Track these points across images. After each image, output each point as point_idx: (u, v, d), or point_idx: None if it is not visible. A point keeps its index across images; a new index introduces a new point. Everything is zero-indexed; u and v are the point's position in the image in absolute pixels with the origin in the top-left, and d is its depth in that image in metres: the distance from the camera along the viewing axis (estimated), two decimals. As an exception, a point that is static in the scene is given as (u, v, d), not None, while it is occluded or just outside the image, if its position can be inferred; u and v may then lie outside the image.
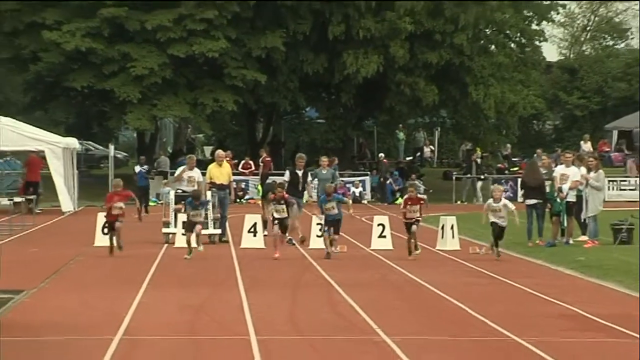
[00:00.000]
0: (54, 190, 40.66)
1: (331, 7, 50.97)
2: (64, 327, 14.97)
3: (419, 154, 61.67)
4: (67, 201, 40.66)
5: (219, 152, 32.68)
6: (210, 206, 26.90)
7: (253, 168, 50.61)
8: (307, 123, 63.75)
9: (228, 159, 35.31)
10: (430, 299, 18.23)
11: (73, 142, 43.49)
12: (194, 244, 23.86)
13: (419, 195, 24.78)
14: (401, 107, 54.99)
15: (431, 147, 61.54)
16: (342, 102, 55.36)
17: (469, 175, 52.69)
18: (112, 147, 48.54)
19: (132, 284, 19.51)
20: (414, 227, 23.80)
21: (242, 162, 50.55)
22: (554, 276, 21.52)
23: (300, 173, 28.44)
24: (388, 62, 51.57)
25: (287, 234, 24.49)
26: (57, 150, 40.95)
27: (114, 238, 23.92)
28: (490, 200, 24.30)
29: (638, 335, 12.86)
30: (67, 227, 33.94)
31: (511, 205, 24.22)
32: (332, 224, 23.98)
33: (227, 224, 28.89)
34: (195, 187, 28.12)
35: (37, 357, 12.94)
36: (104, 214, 25.33)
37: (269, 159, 50.81)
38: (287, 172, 29.08)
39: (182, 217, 25.97)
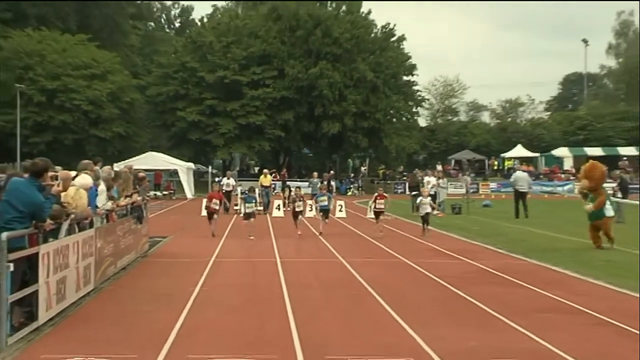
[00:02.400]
0: (182, 188, 40.67)
1: (316, 100, 50.88)
2: (187, 254, 14.99)
3: (359, 171, 61.45)
4: (189, 193, 40.59)
5: (266, 170, 32.79)
6: (258, 197, 25.53)
7: (278, 178, 50.45)
8: (305, 156, 63.44)
9: (270, 173, 34.75)
10: (365, 242, 18.29)
11: (191, 165, 43.36)
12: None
13: (384, 194, 20.25)
14: (350, 148, 55.06)
15: (365, 168, 61.22)
16: (321, 146, 55.25)
17: (384, 182, 52.89)
18: (210, 167, 48.35)
19: (218, 235, 19.54)
20: (381, 216, 19.60)
21: (273, 174, 50.28)
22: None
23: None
24: (344, 126, 51.52)
25: (300, 218, 19.67)
26: (184, 169, 40.93)
27: (212, 225, 19.51)
28: (421, 197, 20.29)
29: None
30: (188, 207, 33.83)
31: (430, 202, 20.76)
32: (323, 211, 19.87)
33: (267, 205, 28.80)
34: (230, 189, 27.66)
35: (175, 268, 12.96)
36: (205, 203, 23.28)
37: (283, 173, 50.53)
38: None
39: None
